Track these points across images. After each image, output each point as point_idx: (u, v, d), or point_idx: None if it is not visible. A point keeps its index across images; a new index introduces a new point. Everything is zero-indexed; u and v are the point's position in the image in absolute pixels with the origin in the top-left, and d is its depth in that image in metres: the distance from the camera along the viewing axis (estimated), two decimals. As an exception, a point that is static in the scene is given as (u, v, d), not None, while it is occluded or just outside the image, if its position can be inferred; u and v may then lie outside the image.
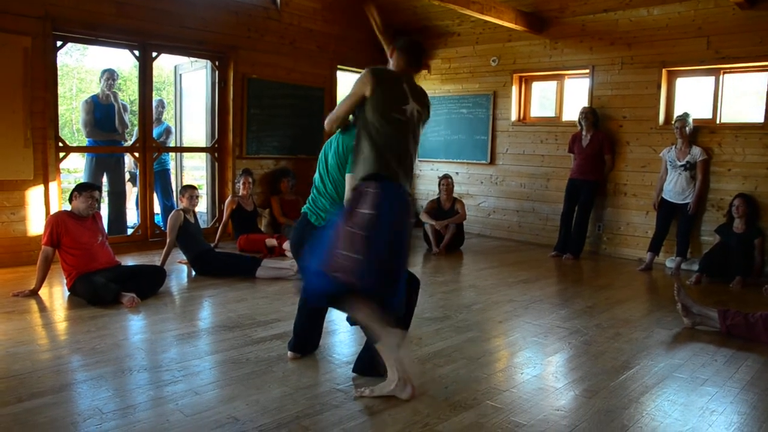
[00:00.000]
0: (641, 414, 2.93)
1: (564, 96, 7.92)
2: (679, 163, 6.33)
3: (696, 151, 6.28)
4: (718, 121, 6.51)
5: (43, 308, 4.51)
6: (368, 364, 3.24)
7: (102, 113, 6.79)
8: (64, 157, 6.16)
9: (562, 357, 3.75)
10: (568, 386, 3.26)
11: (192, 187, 5.79)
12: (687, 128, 6.27)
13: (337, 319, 4.34)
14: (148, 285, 4.84)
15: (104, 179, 6.96)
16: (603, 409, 2.96)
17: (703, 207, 6.47)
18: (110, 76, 6.93)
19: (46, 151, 5.75)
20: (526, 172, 8.01)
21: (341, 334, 4.06)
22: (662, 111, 6.76)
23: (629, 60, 6.95)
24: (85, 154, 7.15)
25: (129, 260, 5.74)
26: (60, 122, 6.01)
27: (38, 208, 5.76)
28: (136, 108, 7.36)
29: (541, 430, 2.72)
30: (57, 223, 4.64)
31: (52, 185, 5.83)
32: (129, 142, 6.98)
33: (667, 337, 4.17)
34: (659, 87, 6.73)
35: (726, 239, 6.01)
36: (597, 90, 7.24)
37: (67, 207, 4.89)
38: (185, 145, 8.01)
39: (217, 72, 7.24)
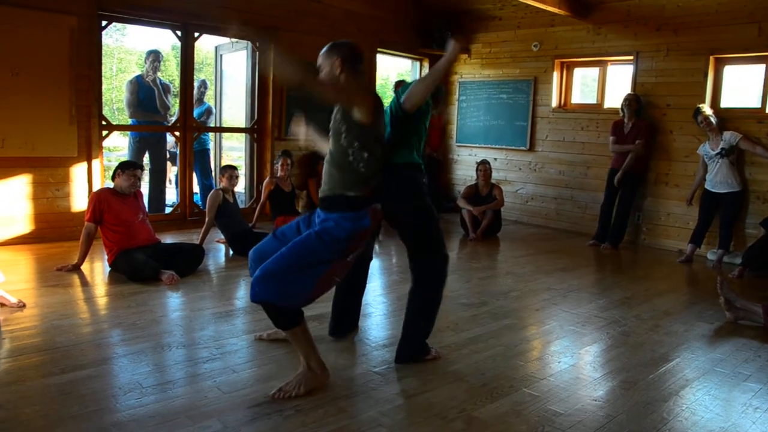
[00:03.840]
0: (681, 407, 2.88)
1: (606, 83, 7.77)
2: (714, 152, 6.18)
3: (728, 135, 6.13)
4: (767, 110, 6.31)
5: (85, 283, 4.60)
6: (409, 352, 3.26)
7: (146, 93, 6.87)
8: (107, 135, 6.25)
9: (599, 347, 3.70)
10: (605, 377, 3.22)
11: (232, 168, 5.84)
12: (711, 119, 6.14)
13: (373, 302, 4.35)
14: (186, 263, 4.91)
15: (146, 158, 7.06)
16: (641, 401, 2.91)
17: (747, 199, 6.31)
18: (156, 57, 6.99)
19: (89, 129, 5.85)
20: (566, 160, 7.90)
21: (377, 317, 4.06)
22: (708, 99, 6.58)
23: (675, 46, 6.77)
24: (129, 133, 7.25)
25: (168, 238, 5.82)
26: (102, 101, 6.08)
27: (81, 185, 5.87)
28: (176, 88, 7.43)
29: (578, 419, 2.69)
30: (100, 200, 4.72)
31: (95, 163, 5.93)
32: (170, 122, 7.06)
33: (708, 331, 4.09)
34: (706, 75, 6.55)
35: (771, 232, 5.86)
36: (641, 77, 7.08)
37: (110, 184, 4.96)
38: (224, 125, 8.07)
39: (257, 53, 7.26)
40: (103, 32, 5.99)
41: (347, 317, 3.62)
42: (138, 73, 7.07)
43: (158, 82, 7.02)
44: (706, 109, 6.24)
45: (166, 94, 7.09)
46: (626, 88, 7.17)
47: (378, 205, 2.90)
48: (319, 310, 3.73)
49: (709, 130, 6.21)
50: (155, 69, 6.94)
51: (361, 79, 2.98)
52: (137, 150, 6.92)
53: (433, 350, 3.32)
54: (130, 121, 7.04)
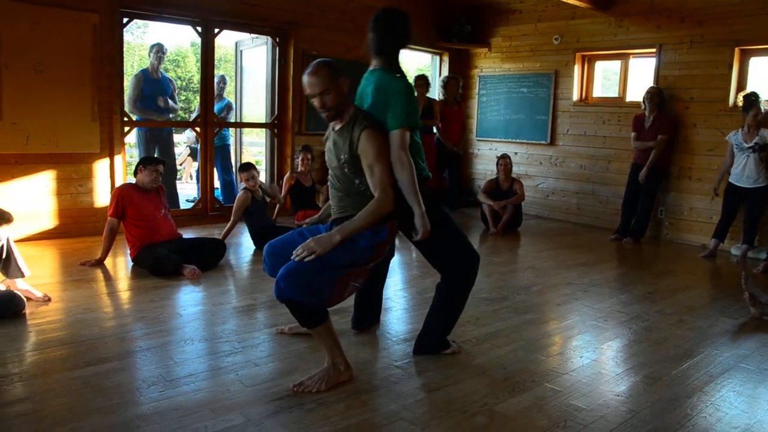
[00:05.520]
0: (705, 404, 2.84)
1: (628, 76, 7.69)
2: (747, 146, 6.05)
3: (766, 132, 5.98)
4: (793, 103, 6.21)
5: (108, 277, 4.66)
6: (429, 344, 3.26)
7: (152, 88, 6.88)
8: (129, 131, 6.31)
9: (621, 342, 3.67)
10: (628, 372, 3.19)
11: (249, 167, 5.75)
12: (762, 112, 5.99)
13: (393, 296, 4.36)
14: (208, 258, 4.95)
15: (155, 153, 7.08)
16: (665, 397, 2.89)
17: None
18: (159, 49, 7.01)
19: (111, 125, 5.91)
20: (587, 154, 7.83)
21: (398, 312, 4.07)
22: (732, 92, 6.48)
23: (699, 38, 6.68)
24: (136, 128, 7.28)
25: (189, 233, 5.86)
26: (123, 98, 6.14)
27: (104, 181, 5.93)
28: (195, 84, 7.45)
29: (600, 414, 2.67)
30: (122, 195, 4.77)
31: (117, 158, 5.99)
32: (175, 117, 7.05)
33: (732, 327, 4.04)
34: (731, 67, 6.45)
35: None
36: (663, 70, 6.99)
37: (132, 180, 5.01)
38: (245, 121, 8.11)
39: (277, 48, 7.28)
40: (125, 29, 6.04)
41: (370, 311, 3.63)
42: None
43: (162, 76, 7.05)
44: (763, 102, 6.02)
45: (173, 93, 7.10)
46: (648, 82, 7.09)
47: (394, 222, 2.89)
48: (341, 304, 3.72)
49: (755, 123, 5.96)
50: (159, 60, 6.96)
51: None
52: (146, 145, 6.96)
53: (455, 344, 3.31)
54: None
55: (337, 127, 2.88)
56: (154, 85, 6.91)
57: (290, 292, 2.63)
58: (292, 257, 2.69)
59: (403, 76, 3.05)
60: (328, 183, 3.00)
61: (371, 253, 2.78)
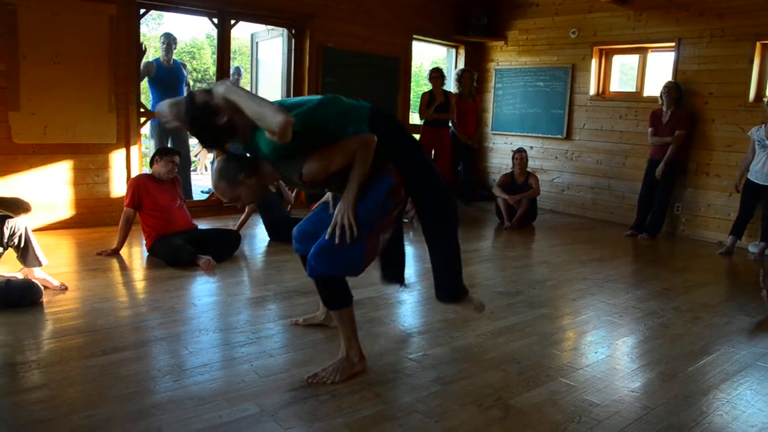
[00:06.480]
0: (721, 401, 2.82)
1: (646, 70, 7.62)
2: (769, 142, 5.99)
3: None
4: (815, 99, 6.13)
5: (123, 267, 4.69)
6: (445, 289, 3.10)
7: (165, 76, 6.89)
8: (145, 122, 6.33)
9: (637, 338, 3.65)
10: (643, 368, 3.17)
11: None
12: None
13: (407, 289, 4.35)
14: (223, 248, 4.96)
15: (169, 144, 7.10)
16: (681, 394, 2.87)
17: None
18: (168, 39, 6.99)
19: (128, 116, 5.93)
20: (603, 149, 7.78)
21: (411, 304, 4.06)
22: (753, 87, 6.41)
23: (719, 32, 6.60)
24: (150, 119, 7.29)
25: (204, 224, 5.88)
26: (140, 88, 6.16)
27: (120, 171, 5.97)
28: (210, 76, 7.47)
29: (615, 410, 2.66)
30: (138, 185, 4.79)
31: (134, 149, 6.02)
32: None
33: (749, 325, 4.00)
34: (751, 61, 6.37)
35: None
36: (682, 64, 6.92)
37: (148, 170, 5.03)
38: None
39: (293, 40, 7.28)
40: (141, 21, 6.06)
41: (392, 269, 3.38)
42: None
43: (175, 64, 7.06)
44: None
45: (187, 79, 7.12)
46: (666, 76, 7.02)
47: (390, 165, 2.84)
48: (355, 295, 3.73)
49: None
50: (168, 52, 6.97)
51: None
52: (160, 136, 6.99)
53: (475, 297, 3.25)
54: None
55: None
56: (168, 73, 6.92)
57: (322, 268, 2.68)
58: (326, 238, 2.70)
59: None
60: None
61: (390, 201, 2.77)
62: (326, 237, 2.69)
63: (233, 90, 2.54)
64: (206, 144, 2.76)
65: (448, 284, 3.08)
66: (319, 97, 2.75)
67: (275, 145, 2.53)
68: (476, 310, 3.29)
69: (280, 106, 2.51)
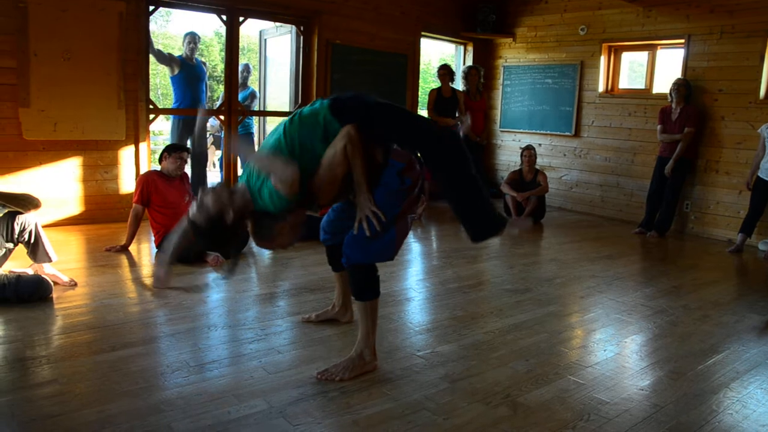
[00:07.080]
0: (731, 400, 2.81)
1: (655, 67, 7.58)
2: (780, 139, 5.95)
3: None
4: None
5: (132, 263, 4.70)
6: (478, 230, 2.89)
7: (189, 73, 6.92)
8: (154, 119, 6.35)
9: (645, 336, 3.64)
10: (652, 366, 3.16)
11: None
12: None
13: (415, 286, 4.35)
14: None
15: (189, 142, 7.13)
16: (690, 392, 2.86)
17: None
18: (192, 39, 7.03)
19: (137, 113, 5.95)
20: (612, 146, 7.75)
21: (419, 302, 4.06)
22: (764, 84, 6.36)
23: (730, 29, 6.56)
24: (171, 116, 7.35)
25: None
26: (149, 85, 6.18)
27: (129, 168, 5.99)
28: (219, 73, 7.50)
29: (624, 408, 2.65)
30: (147, 182, 4.80)
31: (143, 146, 6.04)
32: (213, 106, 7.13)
33: (759, 323, 3.97)
34: (762, 58, 6.32)
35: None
36: (692, 61, 6.88)
37: (157, 167, 5.05)
38: (268, 109, 8.13)
39: (301, 37, 7.28)
40: (150, 17, 6.07)
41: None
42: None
43: (197, 62, 7.08)
44: None
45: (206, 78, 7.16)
46: (676, 73, 6.99)
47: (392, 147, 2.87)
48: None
49: None
50: (192, 50, 6.99)
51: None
52: (181, 133, 7.01)
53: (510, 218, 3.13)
54: (172, 102, 7.10)
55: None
56: (191, 71, 6.94)
57: (357, 257, 2.75)
58: (355, 232, 2.74)
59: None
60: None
61: (407, 180, 2.78)
62: (354, 232, 2.74)
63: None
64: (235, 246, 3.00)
65: (475, 226, 2.85)
66: (282, 126, 2.79)
67: (281, 196, 2.64)
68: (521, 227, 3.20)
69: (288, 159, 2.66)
